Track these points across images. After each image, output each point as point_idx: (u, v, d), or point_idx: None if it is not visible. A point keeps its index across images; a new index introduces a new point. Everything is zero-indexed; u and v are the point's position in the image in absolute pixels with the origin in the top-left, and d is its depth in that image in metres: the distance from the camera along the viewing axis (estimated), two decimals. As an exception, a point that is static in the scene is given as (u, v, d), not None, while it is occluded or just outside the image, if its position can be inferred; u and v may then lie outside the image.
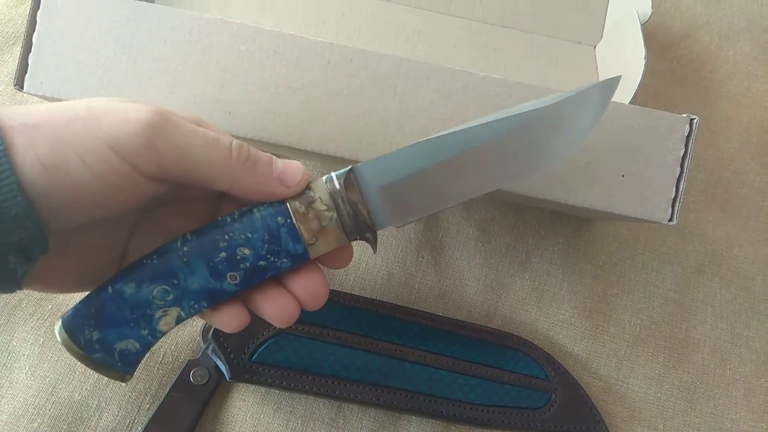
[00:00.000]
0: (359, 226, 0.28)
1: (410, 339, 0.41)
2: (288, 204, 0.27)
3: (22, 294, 0.42)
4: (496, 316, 0.45)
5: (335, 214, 0.27)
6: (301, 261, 0.27)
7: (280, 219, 0.27)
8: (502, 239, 0.46)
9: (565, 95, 0.28)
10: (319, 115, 0.34)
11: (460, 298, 0.45)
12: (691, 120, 0.35)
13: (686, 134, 0.35)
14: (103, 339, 0.26)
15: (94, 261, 0.28)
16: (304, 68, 0.34)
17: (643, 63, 0.41)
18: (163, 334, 0.27)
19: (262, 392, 0.41)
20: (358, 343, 0.40)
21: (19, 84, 0.34)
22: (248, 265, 0.26)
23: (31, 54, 0.34)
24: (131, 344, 0.27)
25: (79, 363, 0.41)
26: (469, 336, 0.42)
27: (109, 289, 0.26)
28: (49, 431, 0.39)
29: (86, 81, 0.34)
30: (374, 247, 0.29)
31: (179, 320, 0.27)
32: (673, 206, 0.35)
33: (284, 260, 0.27)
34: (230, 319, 0.28)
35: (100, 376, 0.40)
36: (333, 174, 0.27)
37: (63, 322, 0.26)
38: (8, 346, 0.41)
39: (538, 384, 0.41)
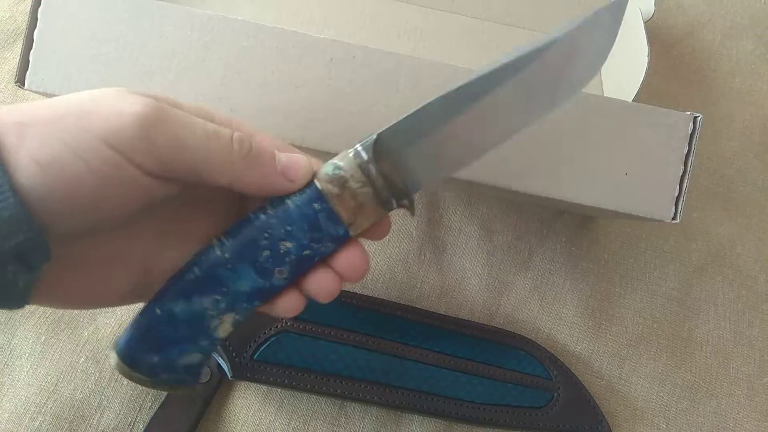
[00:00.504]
0: (395, 195, 0.27)
1: (412, 338, 0.41)
2: (320, 188, 0.26)
3: (23, 292, 0.42)
4: (498, 315, 0.45)
5: (370, 189, 0.26)
6: (343, 241, 0.27)
7: (316, 206, 0.26)
8: (505, 238, 0.46)
9: (576, 23, 0.27)
10: (321, 112, 0.34)
11: (462, 297, 0.45)
12: (695, 118, 0.35)
13: (690, 132, 0.35)
14: (165, 360, 0.26)
15: (116, 273, 0.27)
16: (306, 65, 0.34)
17: (646, 61, 0.41)
18: (224, 340, 0.27)
19: (264, 391, 0.41)
20: (360, 342, 0.40)
21: (21, 81, 0.34)
22: (293, 257, 0.26)
23: (32, 51, 0.34)
24: (194, 357, 0.26)
25: (80, 361, 0.41)
26: (471, 335, 0.42)
27: (158, 310, 0.25)
28: (50, 430, 0.39)
29: (88, 78, 0.34)
30: (412, 211, 0.28)
31: (236, 324, 0.26)
32: (676, 204, 0.35)
33: (328, 245, 0.26)
34: (288, 308, 0.27)
35: (102, 374, 0.40)
36: (359, 147, 0.26)
37: (119, 354, 0.25)
38: (10, 344, 0.41)
39: (541, 383, 0.41)
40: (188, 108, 0.26)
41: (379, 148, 0.26)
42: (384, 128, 0.27)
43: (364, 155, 0.26)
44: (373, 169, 0.26)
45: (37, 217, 0.21)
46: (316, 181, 0.26)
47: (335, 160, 0.26)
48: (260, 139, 0.27)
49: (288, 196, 0.26)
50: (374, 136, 0.26)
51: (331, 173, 0.26)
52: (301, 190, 0.26)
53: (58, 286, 0.25)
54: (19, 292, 0.22)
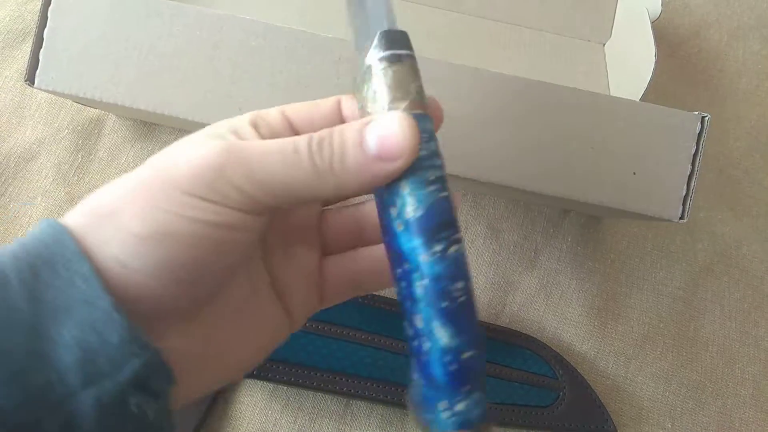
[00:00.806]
0: None
1: (418, 336, 0.41)
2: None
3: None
4: (503, 314, 0.45)
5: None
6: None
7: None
8: (511, 237, 0.46)
9: None
10: (329, 112, 0.34)
11: (468, 296, 0.45)
12: (703, 117, 0.35)
13: (698, 132, 0.35)
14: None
15: (255, 316, 0.25)
16: (314, 64, 0.34)
17: (653, 61, 0.40)
18: None
19: (270, 388, 0.41)
20: (366, 340, 0.40)
21: (30, 79, 0.35)
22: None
23: (42, 49, 0.34)
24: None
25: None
26: (477, 333, 0.42)
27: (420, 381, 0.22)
28: (58, 426, 0.39)
29: (97, 76, 0.34)
30: None
31: None
32: (684, 204, 0.35)
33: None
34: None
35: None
36: (407, 52, 0.23)
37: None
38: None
39: (546, 382, 0.41)
40: (273, 117, 0.23)
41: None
42: (388, 25, 0.23)
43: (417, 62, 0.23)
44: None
45: (156, 310, 0.20)
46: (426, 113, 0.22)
47: (415, 82, 0.22)
48: (348, 111, 0.24)
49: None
50: (400, 32, 0.23)
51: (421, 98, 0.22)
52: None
53: (206, 367, 0.23)
54: (154, 425, 0.20)
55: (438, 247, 0.21)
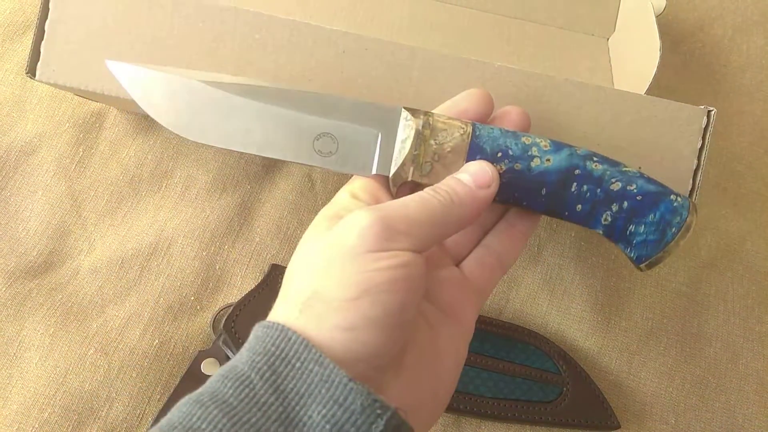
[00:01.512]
0: None
1: (421, 331, 0.41)
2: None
3: (32, 284, 0.42)
4: (507, 310, 0.45)
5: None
6: None
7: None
8: (514, 232, 0.46)
9: None
10: (333, 105, 0.34)
11: (471, 291, 0.45)
12: (709, 111, 0.34)
13: (704, 126, 0.35)
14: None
15: (442, 338, 0.28)
16: (318, 57, 0.34)
17: (658, 56, 0.40)
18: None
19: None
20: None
21: (32, 72, 0.34)
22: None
23: (43, 42, 0.34)
24: None
25: (89, 353, 0.41)
26: (480, 329, 0.42)
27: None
28: (59, 421, 0.39)
29: (99, 69, 0.34)
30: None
31: None
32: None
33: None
34: None
35: (110, 366, 0.40)
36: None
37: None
38: (18, 336, 0.41)
39: (550, 377, 0.41)
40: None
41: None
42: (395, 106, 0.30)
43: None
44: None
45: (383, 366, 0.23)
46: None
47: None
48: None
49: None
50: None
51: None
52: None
53: (422, 410, 0.26)
54: None
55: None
